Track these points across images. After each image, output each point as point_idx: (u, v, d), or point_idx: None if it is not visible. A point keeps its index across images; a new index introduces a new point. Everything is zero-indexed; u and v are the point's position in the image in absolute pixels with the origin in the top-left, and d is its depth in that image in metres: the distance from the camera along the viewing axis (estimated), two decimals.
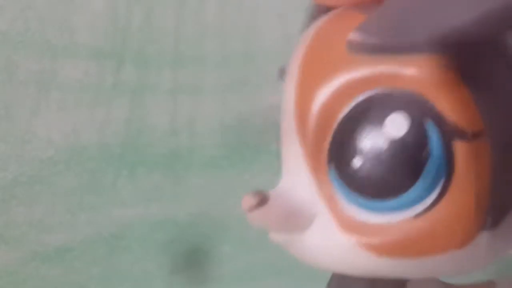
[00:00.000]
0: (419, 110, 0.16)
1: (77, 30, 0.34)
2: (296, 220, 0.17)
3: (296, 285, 0.36)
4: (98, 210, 0.35)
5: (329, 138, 0.17)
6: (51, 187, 0.35)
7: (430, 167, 0.16)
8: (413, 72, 0.16)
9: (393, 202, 0.16)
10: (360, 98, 0.16)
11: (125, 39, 0.35)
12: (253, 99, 0.35)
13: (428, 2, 0.16)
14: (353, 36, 0.16)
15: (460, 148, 0.16)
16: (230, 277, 0.37)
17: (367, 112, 0.16)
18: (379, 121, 0.16)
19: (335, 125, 0.17)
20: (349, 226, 0.17)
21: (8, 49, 0.34)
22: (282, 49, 0.36)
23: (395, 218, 0.16)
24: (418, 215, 0.16)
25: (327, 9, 0.19)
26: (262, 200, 0.17)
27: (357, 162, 0.16)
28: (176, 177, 0.36)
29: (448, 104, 0.16)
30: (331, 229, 0.17)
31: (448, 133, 0.16)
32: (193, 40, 0.35)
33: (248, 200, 0.17)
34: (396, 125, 0.16)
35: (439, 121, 0.16)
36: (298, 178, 0.17)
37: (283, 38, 0.34)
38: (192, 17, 0.35)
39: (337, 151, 0.17)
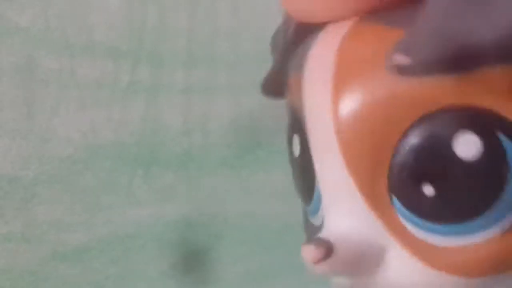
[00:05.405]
0: (489, 125, 0.15)
1: (95, 29, 0.35)
2: (366, 261, 0.16)
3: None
4: (114, 209, 0.36)
5: (386, 164, 0.15)
6: (70, 186, 0.35)
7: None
8: (477, 85, 0.15)
9: (476, 222, 0.15)
10: (419, 119, 0.15)
11: (140, 39, 0.35)
12: (265, 99, 0.34)
13: (466, 17, 0.14)
14: (399, 58, 0.14)
15: None
16: (244, 276, 0.36)
17: (430, 134, 0.15)
18: (446, 142, 0.15)
19: (392, 149, 0.15)
20: (429, 253, 0.16)
21: (29, 47, 0.34)
22: None
23: (480, 237, 0.15)
24: (505, 229, 0.15)
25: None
26: (328, 250, 0.16)
27: (427, 189, 0.15)
28: (188, 177, 0.36)
29: None
30: (407, 261, 0.16)
31: None
32: (205, 40, 0.35)
33: (312, 253, 0.16)
34: (467, 145, 0.15)
35: None
36: (353, 212, 0.16)
37: None
38: (205, 18, 0.35)
39: (400, 178, 0.15)
